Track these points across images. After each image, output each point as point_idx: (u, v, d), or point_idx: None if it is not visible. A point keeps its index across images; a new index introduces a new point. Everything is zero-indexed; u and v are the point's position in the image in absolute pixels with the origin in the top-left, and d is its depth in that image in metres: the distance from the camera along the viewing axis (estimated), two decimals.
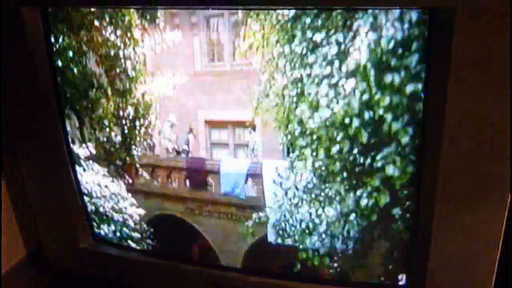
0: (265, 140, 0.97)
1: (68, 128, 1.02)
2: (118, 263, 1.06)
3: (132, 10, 0.90)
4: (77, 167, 1.05)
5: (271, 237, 1.01)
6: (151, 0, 0.85)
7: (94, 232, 1.07)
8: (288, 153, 0.95)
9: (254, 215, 1.01)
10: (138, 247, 1.07)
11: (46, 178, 1.02)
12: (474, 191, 0.71)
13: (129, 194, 1.09)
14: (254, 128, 0.96)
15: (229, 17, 0.90)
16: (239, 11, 0.85)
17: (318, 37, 0.82)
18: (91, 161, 1.05)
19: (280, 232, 1.00)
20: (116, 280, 1.08)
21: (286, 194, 0.99)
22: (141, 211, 1.09)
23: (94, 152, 1.06)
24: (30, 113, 0.96)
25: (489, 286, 0.76)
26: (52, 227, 1.08)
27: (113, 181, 1.08)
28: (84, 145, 1.04)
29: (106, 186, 1.07)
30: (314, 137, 0.89)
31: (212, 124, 1.01)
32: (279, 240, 1.00)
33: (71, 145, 1.03)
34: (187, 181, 1.06)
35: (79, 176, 1.05)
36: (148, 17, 0.93)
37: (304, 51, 0.84)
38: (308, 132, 0.90)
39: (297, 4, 0.76)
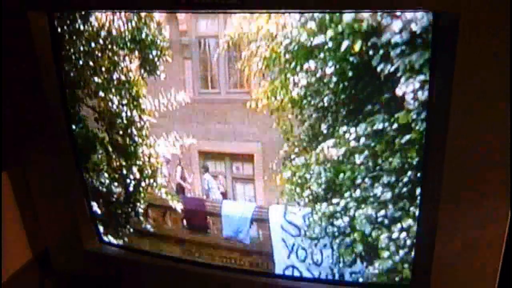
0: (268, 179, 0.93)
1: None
2: (124, 265, 1.06)
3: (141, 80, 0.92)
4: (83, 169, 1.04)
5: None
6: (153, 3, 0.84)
7: (100, 234, 1.07)
8: (295, 194, 0.91)
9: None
10: (143, 249, 1.06)
11: (52, 180, 1.02)
12: (478, 191, 0.72)
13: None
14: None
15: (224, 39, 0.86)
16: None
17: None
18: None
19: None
20: (122, 283, 1.07)
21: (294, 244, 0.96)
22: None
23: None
24: (35, 116, 0.96)
25: (493, 285, 0.77)
26: (58, 230, 1.08)
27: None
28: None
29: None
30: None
31: (207, 156, 0.97)
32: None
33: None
34: (184, 222, 1.04)
35: (85, 178, 1.04)
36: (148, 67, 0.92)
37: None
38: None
39: (300, 8, 0.76)
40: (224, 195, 0.98)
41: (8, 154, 1.08)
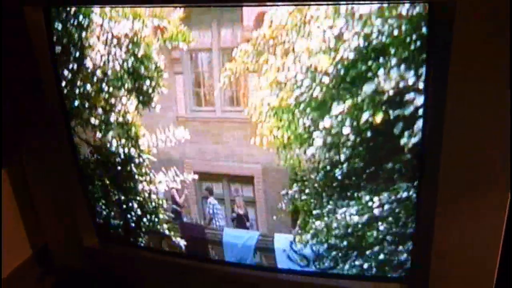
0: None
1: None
2: (123, 262, 1.06)
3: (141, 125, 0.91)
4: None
5: None
6: None
7: (100, 231, 1.06)
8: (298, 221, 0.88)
9: None
10: (144, 245, 1.06)
11: (51, 177, 1.01)
12: (476, 188, 0.72)
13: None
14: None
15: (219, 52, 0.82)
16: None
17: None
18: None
19: None
20: (122, 279, 1.07)
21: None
22: None
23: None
24: (35, 114, 0.96)
25: (491, 281, 0.76)
26: (57, 226, 1.07)
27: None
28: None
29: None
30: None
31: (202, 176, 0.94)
32: None
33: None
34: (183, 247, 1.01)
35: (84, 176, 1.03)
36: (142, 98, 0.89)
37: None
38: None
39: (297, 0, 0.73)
40: (237, 221, 0.95)
41: (8, 151, 1.08)
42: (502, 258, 0.74)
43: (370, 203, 0.81)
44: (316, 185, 0.83)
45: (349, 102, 0.75)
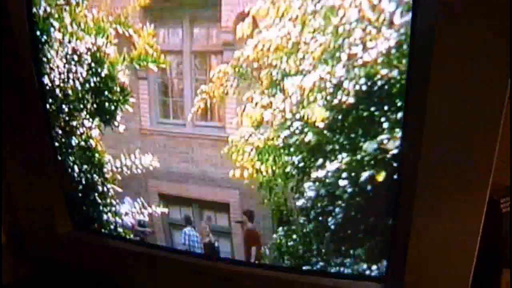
0: None
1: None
2: (98, 251, 1.00)
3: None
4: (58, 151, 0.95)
5: None
6: None
7: (74, 219, 1.00)
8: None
9: None
10: (119, 235, 0.99)
11: (27, 164, 0.96)
12: (454, 188, 0.69)
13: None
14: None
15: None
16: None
17: None
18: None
19: None
20: (96, 268, 1.02)
21: None
22: None
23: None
24: (10, 97, 0.89)
25: (466, 282, 0.74)
26: (32, 214, 1.02)
27: None
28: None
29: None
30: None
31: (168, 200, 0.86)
32: None
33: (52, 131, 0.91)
34: None
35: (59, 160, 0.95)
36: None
37: None
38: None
39: None
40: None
41: None
42: (478, 258, 0.72)
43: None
44: (305, 230, 0.76)
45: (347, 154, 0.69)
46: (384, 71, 0.64)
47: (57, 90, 0.83)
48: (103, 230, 0.95)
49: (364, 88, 0.66)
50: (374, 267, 0.80)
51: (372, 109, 0.67)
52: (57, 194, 0.97)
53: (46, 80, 0.84)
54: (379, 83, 0.65)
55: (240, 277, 0.87)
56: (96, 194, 0.90)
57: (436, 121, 0.65)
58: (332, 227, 0.75)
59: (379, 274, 0.80)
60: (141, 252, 0.95)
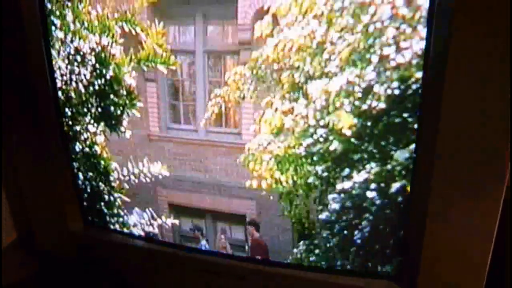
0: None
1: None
2: (109, 248, 0.98)
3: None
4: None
5: None
6: None
7: (85, 215, 0.97)
8: None
9: None
10: (130, 232, 0.96)
11: (38, 160, 0.94)
12: (469, 184, 0.66)
13: None
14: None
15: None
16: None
17: None
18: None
19: None
20: (107, 266, 1.00)
21: None
22: None
23: None
24: (21, 95, 0.87)
25: (482, 278, 0.72)
26: (43, 210, 1.01)
27: None
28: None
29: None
30: None
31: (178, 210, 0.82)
32: None
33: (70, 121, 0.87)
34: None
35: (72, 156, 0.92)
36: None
37: None
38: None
39: None
40: None
41: None
42: (493, 260, 0.71)
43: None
44: (329, 245, 0.72)
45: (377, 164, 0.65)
46: (419, 74, 0.60)
47: (59, 93, 0.79)
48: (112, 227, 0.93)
49: (396, 92, 0.61)
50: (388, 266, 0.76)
51: (405, 115, 0.63)
52: (68, 192, 0.95)
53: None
54: (413, 87, 0.61)
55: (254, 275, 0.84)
56: (103, 204, 0.88)
57: (451, 123, 0.63)
58: (359, 241, 0.71)
59: (393, 273, 0.77)
60: (153, 249, 0.93)
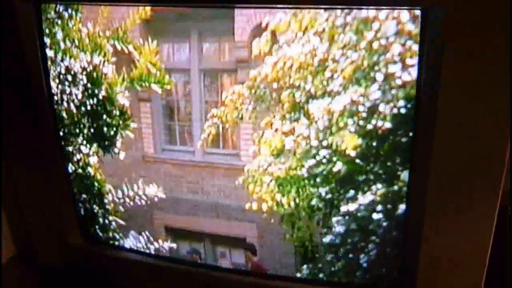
0: None
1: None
2: (108, 261, 0.98)
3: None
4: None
5: None
6: None
7: (84, 229, 0.96)
8: None
9: None
10: (128, 246, 0.94)
11: (37, 174, 0.93)
12: (465, 193, 0.66)
13: None
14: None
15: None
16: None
17: None
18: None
19: None
20: (106, 279, 1.00)
21: None
22: None
23: None
24: (19, 107, 0.85)
25: (480, 284, 0.72)
26: (42, 224, 1.00)
27: None
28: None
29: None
30: None
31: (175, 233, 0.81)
32: None
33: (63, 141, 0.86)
34: None
35: (70, 171, 0.91)
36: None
37: None
38: None
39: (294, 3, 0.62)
40: None
41: None
42: (490, 269, 0.70)
43: None
44: (333, 269, 0.71)
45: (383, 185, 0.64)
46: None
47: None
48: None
49: (403, 111, 0.59)
50: (385, 277, 0.74)
51: (412, 134, 0.62)
52: (67, 206, 0.94)
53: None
54: None
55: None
56: (97, 227, 0.86)
57: (445, 127, 0.62)
58: (365, 265, 0.69)
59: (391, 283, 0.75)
60: (153, 264, 0.92)
